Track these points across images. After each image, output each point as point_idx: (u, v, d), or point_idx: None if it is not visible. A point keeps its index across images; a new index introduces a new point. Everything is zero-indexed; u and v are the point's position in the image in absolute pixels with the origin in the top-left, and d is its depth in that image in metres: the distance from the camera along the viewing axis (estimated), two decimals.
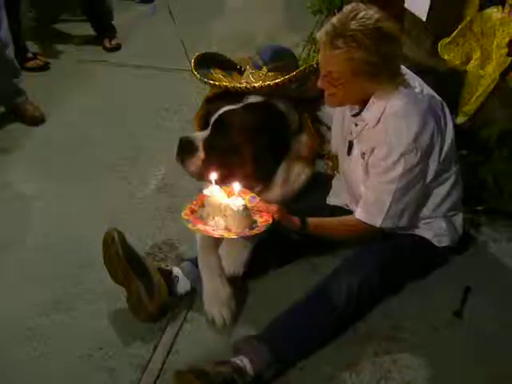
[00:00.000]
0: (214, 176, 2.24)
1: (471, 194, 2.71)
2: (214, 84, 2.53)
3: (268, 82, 2.45)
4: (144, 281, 2.32)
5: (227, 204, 2.13)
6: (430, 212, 2.43)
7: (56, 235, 2.84)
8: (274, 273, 2.59)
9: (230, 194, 2.22)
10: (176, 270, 2.45)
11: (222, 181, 2.28)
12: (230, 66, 2.80)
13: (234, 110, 2.48)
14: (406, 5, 3.16)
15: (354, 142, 2.39)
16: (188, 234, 2.76)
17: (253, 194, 2.32)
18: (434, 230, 2.47)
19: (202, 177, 2.48)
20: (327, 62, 2.15)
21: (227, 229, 2.15)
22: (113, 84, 4.14)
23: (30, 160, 3.40)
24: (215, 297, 2.36)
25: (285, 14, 5.09)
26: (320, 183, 2.84)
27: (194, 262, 2.46)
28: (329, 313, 2.24)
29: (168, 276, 2.41)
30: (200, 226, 2.16)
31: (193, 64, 2.62)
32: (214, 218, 2.18)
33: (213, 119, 2.45)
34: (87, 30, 4.66)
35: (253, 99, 2.54)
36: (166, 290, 2.37)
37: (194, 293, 2.47)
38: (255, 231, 2.14)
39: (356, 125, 2.35)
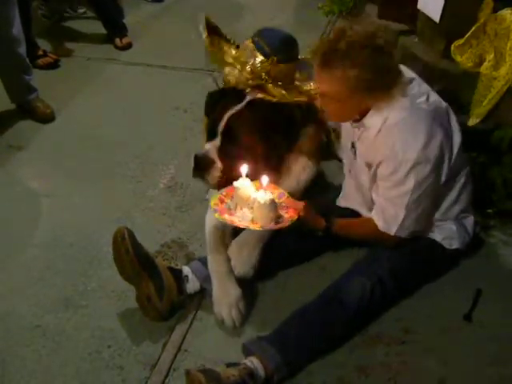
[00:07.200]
0: (244, 169, 2.25)
1: (481, 196, 2.69)
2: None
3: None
4: (154, 279, 2.32)
5: (255, 197, 2.17)
6: (441, 215, 2.42)
7: (65, 233, 2.84)
8: (284, 274, 2.59)
9: (259, 188, 2.25)
10: (186, 270, 2.45)
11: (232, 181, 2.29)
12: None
13: (237, 112, 2.45)
14: (419, 6, 3.14)
15: (356, 145, 2.38)
16: (198, 233, 2.77)
17: (282, 191, 2.34)
18: (445, 232, 2.45)
19: (222, 186, 2.44)
20: (322, 83, 2.17)
21: (253, 221, 2.19)
22: (123, 82, 4.14)
23: (40, 157, 3.40)
24: (225, 298, 2.36)
25: (296, 14, 5.08)
26: (330, 185, 2.82)
27: (204, 261, 2.46)
28: (340, 315, 2.23)
29: (178, 275, 2.41)
30: (226, 216, 2.21)
31: (205, 26, 2.62)
32: (241, 210, 2.22)
33: (220, 128, 2.43)
34: (98, 28, 4.65)
35: (252, 96, 2.48)
36: (175, 289, 2.37)
37: (204, 292, 2.46)
38: (279, 225, 2.18)
39: (358, 128, 2.34)
